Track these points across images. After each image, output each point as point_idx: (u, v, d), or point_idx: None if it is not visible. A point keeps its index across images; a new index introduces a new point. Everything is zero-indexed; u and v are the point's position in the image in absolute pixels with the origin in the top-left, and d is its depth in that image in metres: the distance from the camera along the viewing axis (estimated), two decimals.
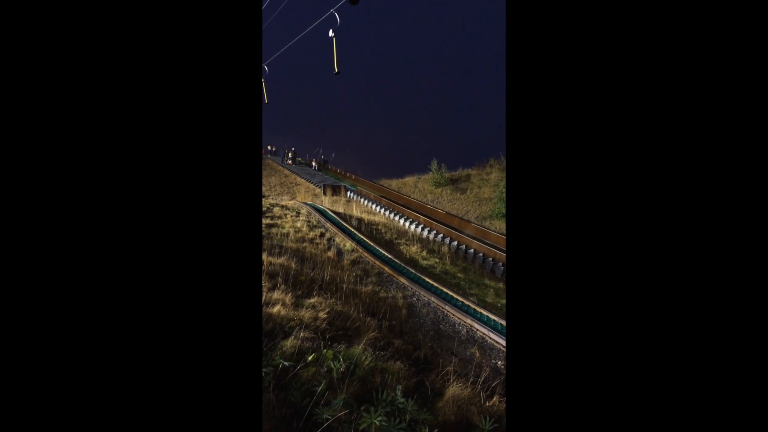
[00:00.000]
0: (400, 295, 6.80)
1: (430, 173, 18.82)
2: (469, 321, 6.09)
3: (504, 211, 14.11)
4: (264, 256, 6.47)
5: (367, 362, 3.34)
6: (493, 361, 5.11)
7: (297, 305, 4.53)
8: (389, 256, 9.29)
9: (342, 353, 3.33)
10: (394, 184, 19.67)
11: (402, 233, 12.63)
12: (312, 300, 4.83)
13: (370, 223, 12.68)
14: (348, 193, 18.47)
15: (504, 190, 14.56)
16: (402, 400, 2.71)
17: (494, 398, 3.53)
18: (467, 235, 12.87)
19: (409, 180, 19.70)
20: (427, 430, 2.32)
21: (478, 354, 5.20)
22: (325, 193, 18.02)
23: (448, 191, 17.53)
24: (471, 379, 3.94)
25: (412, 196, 17.37)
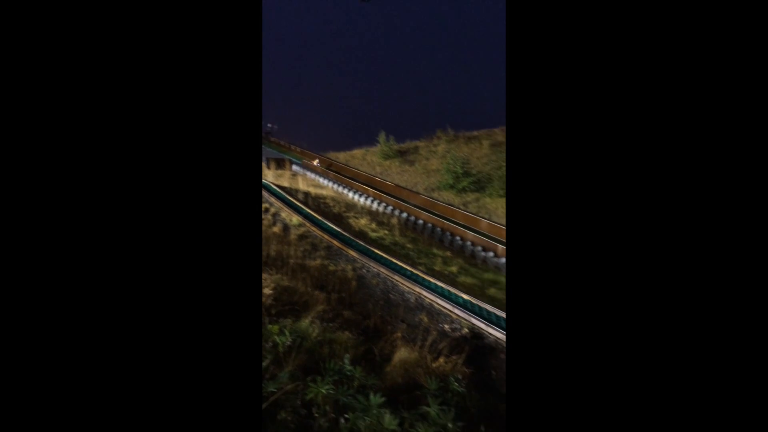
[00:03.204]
0: (350, 267, 6.79)
1: (379, 145, 18.70)
2: (417, 289, 6.25)
3: (451, 181, 14.43)
4: None
5: (314, 335, 3.30)
6: (441, 325, 5.30)
7: None
8: (338, 229, 9.20)
9: (288, 327, 3.26)
10: (341, 156, 19.34)
11: (351, 206, 12.55)
12: None
13: (317, 197, 12.43)
14: (293, 166, 17.90)
15: (450, 161, 14.85)
16: (350, 367, 2.71)
17: (440, 359, 3.67)
18: (416, 207, 13.07)
19: (357, 152, 19.45)
20: (376, 394, 2.35)
21: (426, 319, 5.37)
22: (268, 167, 17.31)
23: (397, 163, 17.56)
24: (419, 344, 4.06)
25: (360, 169, 17.22)
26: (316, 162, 17.68)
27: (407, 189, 14.45)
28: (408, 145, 19.20)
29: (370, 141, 19.76)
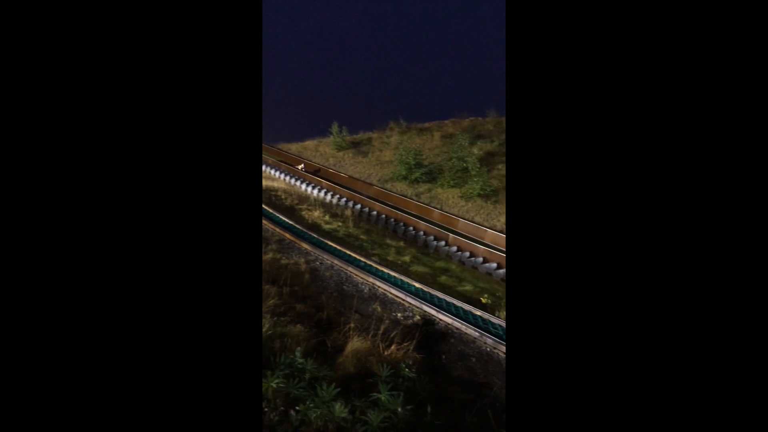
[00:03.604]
0: (303, 260, 6.72)
1: (331, 136, 18.49)
2: (371, 279, 6.32)
3: (404, 173, 14.62)
4: None
5: (265, 329, 3.26)
6: (394, 314, 5.42)
7: None
8: (290, 222, 9.04)
9: None
10: (293, 148, 18.91)
11: (303, 198, 12.35)
12: None
13: (268, 189, 12.10)
14: None
15: (403, 152, 15.02)
16: (301, 360, 2.71)
17: (392, 347, 3.76)
18: (370, 198, 13.13)
19: (310, 143, 19.11)
20: (329, 384, 2.37)
21: (380, 309, 5.45)
22: None
23: (350, 154, 17.47)
24: (372, 333, 4.13)
25: (313, 161, 16.95)
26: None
27: (361, 180, 14.45)
28: (361, 136, 19.15)
29: (322, 132, 19.47)
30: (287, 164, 16.05)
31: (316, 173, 15.58)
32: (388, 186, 14.53)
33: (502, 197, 12.77)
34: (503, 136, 16.15)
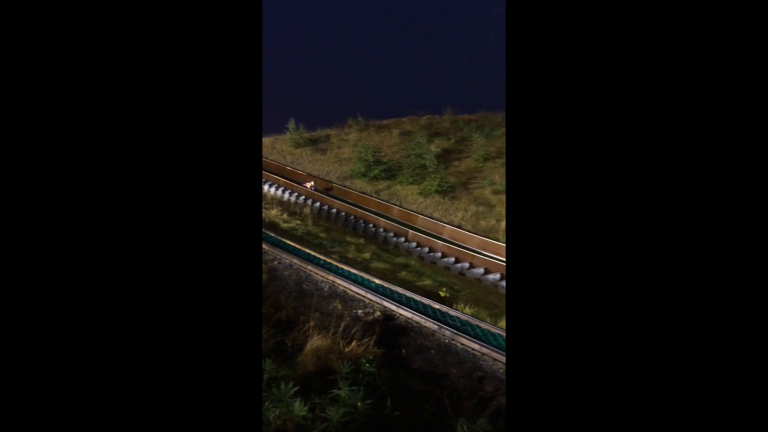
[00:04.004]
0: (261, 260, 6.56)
1: (288, 133, 18.12)
2: (331, 277, 6.29)
3: (363, 170, 14.62)
4: None
5: None
6: (354, 311, 5.43)
7: None
8: None
9: None
10: None
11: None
12: None
13: None
14: None
15: (362, 149, 15.02)
16: None
17: (353, 343, 3.78)
18: (329, 195, 13.02)
19: (266, 140, 18.60)
20: (288, 384, 2.35)
21: (340, 306, 5.45)
22: None
23: (308, 152, 17.21)
24: (332, 331, 4.12)
25: (270, 158, 16.53)
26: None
27: (320, 177, 14.27)
28: (319, 133, 18.94)
29: (278, 129, 19.03)
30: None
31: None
32: (348, 183, 14.48)
33: (459, 193, 13.13)
34: (459, 134, 16.60)
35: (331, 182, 14.24)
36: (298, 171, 14.95)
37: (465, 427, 2.43)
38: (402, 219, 12.03)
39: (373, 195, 13.52)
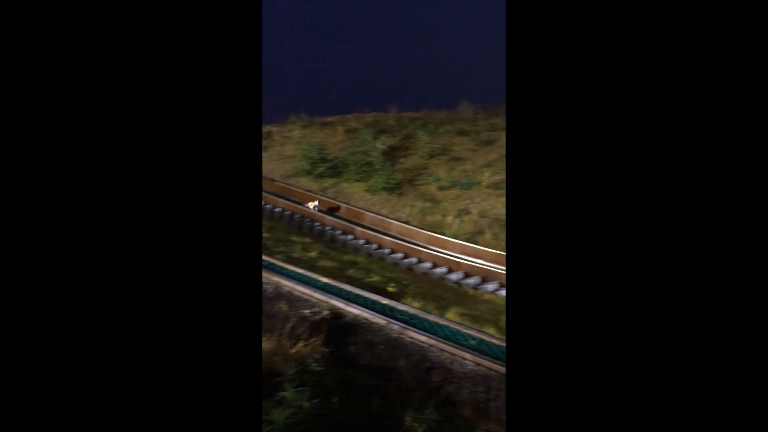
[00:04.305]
0: None
1: None
2: (275, 278, 6.08)
3: (308, 167, 14.32)
4: None
5: None
6: (301, 311, 5.30)
7: None
8: None
9: None
10: None
11: None
12: None
13: None
14: None
15: (307, 147, 14.71)
16: None
17: (299, 344, 3.68)
18: (272, 194, 12.61)
19: None
20: None
21: (286, 307, 5.29)
22: None
23: None
24: (277, 332, 3.98)
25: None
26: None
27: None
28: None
29: None
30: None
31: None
32: (292, 182, 14.11)
33: (406, 189, 13.32)
34: (405, 131, 16.82)
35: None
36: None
37: (412, 417, 2.46)
38: (349, 216, 11.96)
39: (320, 193, 13.31)
